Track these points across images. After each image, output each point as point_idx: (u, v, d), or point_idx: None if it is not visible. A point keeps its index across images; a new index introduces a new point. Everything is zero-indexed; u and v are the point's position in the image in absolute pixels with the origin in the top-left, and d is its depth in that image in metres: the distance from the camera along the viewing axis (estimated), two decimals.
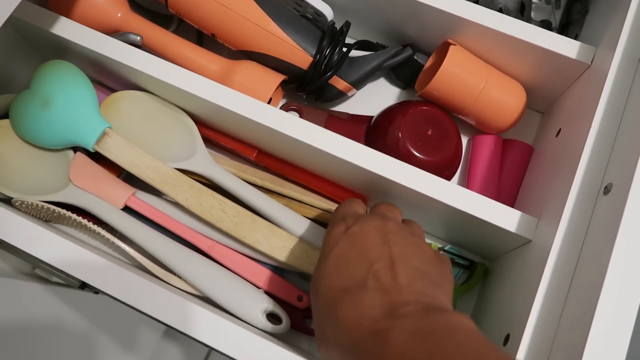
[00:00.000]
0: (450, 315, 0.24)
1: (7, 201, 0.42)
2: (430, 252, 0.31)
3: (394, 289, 0.27)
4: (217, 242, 0.42)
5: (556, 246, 0.32)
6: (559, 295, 0.31)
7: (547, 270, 0.32)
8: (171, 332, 0.73)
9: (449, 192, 0.38)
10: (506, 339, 0.34)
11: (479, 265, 0.44)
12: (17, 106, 0.43)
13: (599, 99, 0.35)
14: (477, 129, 0.49)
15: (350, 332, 0.26)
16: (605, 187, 0.32)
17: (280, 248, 0.40)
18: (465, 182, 0.47)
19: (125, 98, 0.45)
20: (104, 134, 0.42)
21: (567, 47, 0.42)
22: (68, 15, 0.45)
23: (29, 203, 0.41)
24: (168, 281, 0.40)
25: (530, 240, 0.37)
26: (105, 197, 0.42)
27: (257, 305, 0.39)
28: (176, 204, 0.43)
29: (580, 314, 0.28)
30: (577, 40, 0.45)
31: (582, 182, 0.33)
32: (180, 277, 0.40)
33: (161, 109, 0.45)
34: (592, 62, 0.41)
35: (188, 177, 0.42)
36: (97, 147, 0.41)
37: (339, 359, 0.27)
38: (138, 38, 0.45)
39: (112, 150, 0.42)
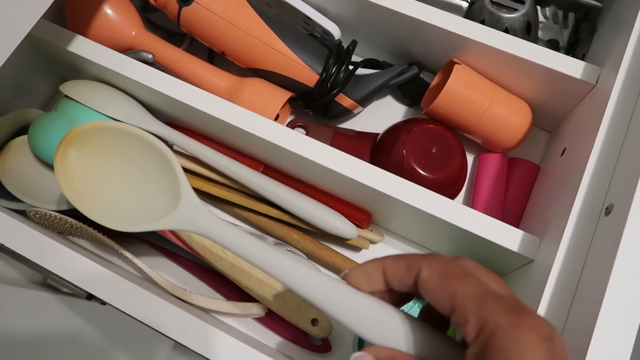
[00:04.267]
0: None
1: (22, 212, 0.43)
2: None
3: None
4: None
5: (557, 266, 0.32)
6: (558, 317, 0.30)
7: (547, 291, 0.31)
8: (181, 345, 0.73)
9: (451, 210, 0.38)
10: None
11: None
12: (40, 126, 0.44)
13: (602, 119, 0.35)
14: (483, 148, 0.49)
15: None
16: (607, 208, 0.31)
17: (274, 296, 0.41)
18: (470, 201, 0.47)
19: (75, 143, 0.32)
20: None
21: (571, 67, 0.42)
22: (84, 33, 0.46)
23: (43, 213, 0.42)
24: (176, 294, 0.41)
25: (533, 260, 0.37)
26: None
27: None
28: None
29: (579, 336, 0.28)
30: (585, 60, 0.45)
31: (584, 203, 0.33)
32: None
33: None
34: (597, 82, 0.41)
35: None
36: None
37: None
38: (150, 56, 0.46)
39: None
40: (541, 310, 0.31)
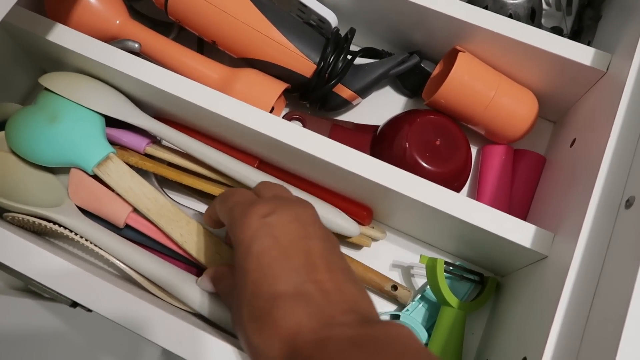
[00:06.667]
0: (389, 325, 0.24)
1: None
2: (334, 239, 0.30)
3: (330, 296, 0.26)
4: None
5: (575, 263, 0.30)
6: (579, 316, 0.29)
7: (567, 289, 0.30)
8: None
9: (459, 205, 0.36)
10: None
11: (490, 280, 0.42)
12: (19, 120, 0.41)
13: (617, 108, 0.34)
14: (487, 139, 0.47)
15: (287, 342, 0.24)
16: (627, 201, 0.30)
17: None
18: (475, 194, 0.46)
19: None
20: (106, 157, 0.40)
21: (581, 53, 0.40)
22: (66, 22, 0.44)
23: (21, 218, 0.39)
24: (163, 298, 0.39)
25: (547, 256, 0.35)
26: (105, 215, 0.40)
27: None
28: None
29: (605, 335, 0.26)
30: (590, 47, 0.43)
31: (602, 196, 0.32)
32: (175, 297, 0.38)
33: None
34: (607, 69, 0.39)
35: (186, 214, 0.40)
36: (97, 170, 0.40)
37: None
38: (136, 45, 0.43)
39: (112, 175, 0.40)
40: (561, 308, 0.29)
